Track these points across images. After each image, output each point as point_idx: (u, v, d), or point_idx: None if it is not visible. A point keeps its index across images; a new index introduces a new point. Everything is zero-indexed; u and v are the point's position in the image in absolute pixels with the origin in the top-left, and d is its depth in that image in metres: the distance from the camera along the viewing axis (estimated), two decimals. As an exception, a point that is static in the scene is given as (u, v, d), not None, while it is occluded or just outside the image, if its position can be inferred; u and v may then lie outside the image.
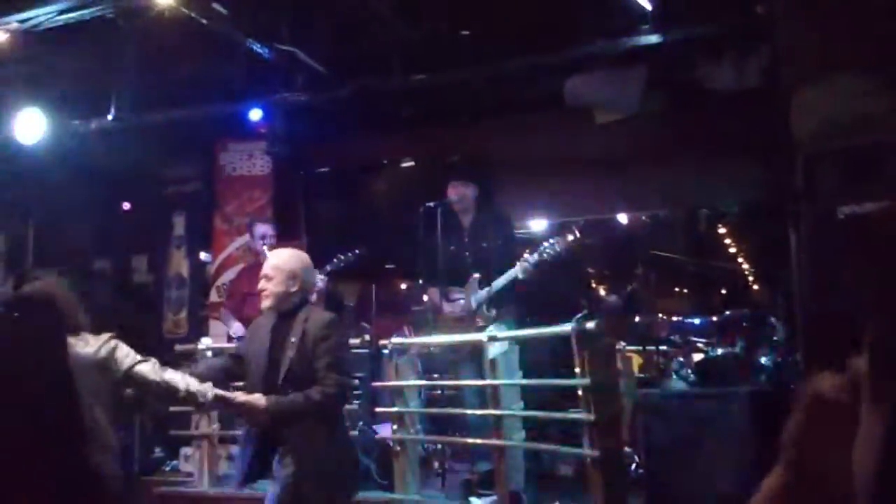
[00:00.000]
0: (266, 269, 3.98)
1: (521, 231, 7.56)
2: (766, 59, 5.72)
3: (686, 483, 4.34)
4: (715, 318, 7.33)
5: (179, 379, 3.51)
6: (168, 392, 3.47)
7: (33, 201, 8.40)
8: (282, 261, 3.99)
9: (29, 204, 8.49)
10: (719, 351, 5.95)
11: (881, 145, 3.88)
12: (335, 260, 6.32)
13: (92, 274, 8.80)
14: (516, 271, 5.37)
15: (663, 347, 6.64)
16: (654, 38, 5.76)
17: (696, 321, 8.04)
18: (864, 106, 3.95)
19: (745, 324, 6.19)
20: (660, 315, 8.00)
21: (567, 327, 4.49)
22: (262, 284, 3.95)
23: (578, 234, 5.56)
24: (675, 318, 8.31)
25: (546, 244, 5.35)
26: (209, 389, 3.60)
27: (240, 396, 3.75)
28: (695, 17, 5.69)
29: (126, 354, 3.38)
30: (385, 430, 5.66)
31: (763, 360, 5.99)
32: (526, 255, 5.37)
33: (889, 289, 0.96)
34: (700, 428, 4.34)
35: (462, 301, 5.65)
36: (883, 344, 0.96)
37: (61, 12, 5.24)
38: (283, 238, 7.26)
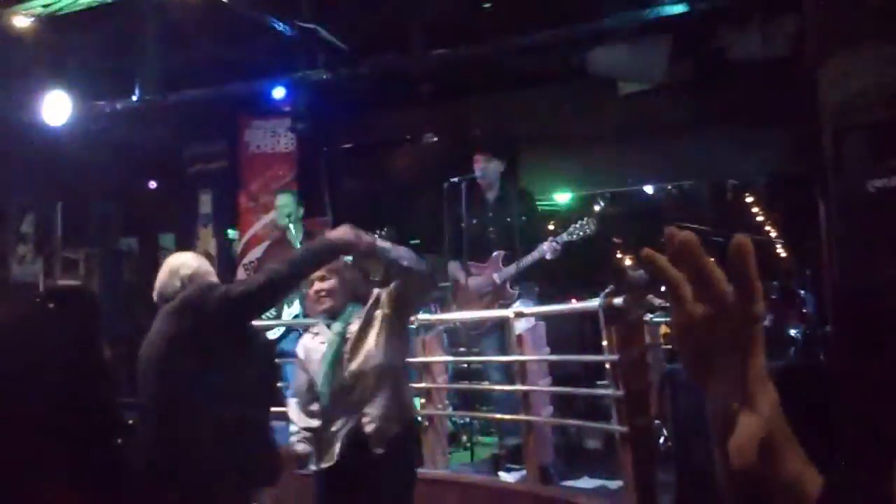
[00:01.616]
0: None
1: (545, 203, 7.53)
2: (793, 27, 5.63)
3: (714, 457, 4.34)
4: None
5: None
6: None
7: (61, 182, 8.47)
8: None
9: (56, 184, 8.56)
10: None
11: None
12: None
13: (119, 252, 8.89)
14: (544, 251, 5.34)
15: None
16: (678, 8, 5.68)
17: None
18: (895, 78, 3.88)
19: (773, 296, 6.14)
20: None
21: (594, 303, 4.49)
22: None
23: (603, 205, 5.53)
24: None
25: (576, 225, 5.30)
26: None
27: None
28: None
29: None
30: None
31: (793, 332, 5.94)
32: (555, 236, 5.35)
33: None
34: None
35: (482, 277, 5.66)
36: None
37: (84, -4, 5.26)
38: (308, 214, 7.29)
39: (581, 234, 5.26)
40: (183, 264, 3.36)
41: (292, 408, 3.78)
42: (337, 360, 3.61)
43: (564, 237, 5.30)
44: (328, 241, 3.29)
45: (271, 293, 3.20)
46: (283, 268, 3.13)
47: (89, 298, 2.97)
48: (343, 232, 3.26)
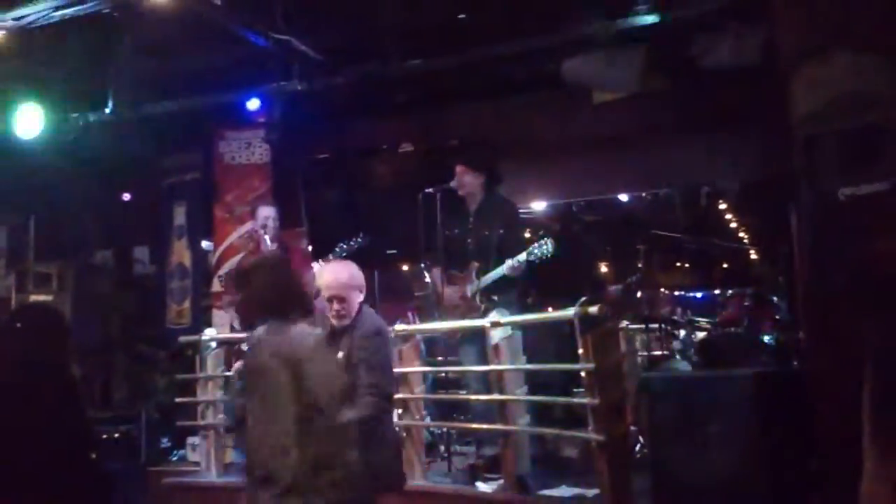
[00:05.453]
0: (336, 290, 3.88)
1: (523, 210, 7.55)
2: (765, 35, 5.69)
3: (691, 464, 4.36)
4: (717, 292, 7.32)
5: None
6: None
7: (34, 195, 8.40)
8: (348, 277, 3.92)
9: (29, 198, 8.49)
10: (722, 330, 5.97)
11: (883, 125, 3.85)
12: (337, 249, 6.33)
13: (94, 266, 8.82)
14: (503, 269, 5.40)
15: (665, 326, 6.66)
16: (651, 18, 5.74)
17: (698, 295, 8.03)
18: (866, 85, 3.92)
19: (747, 302, 6.20)
20: (661, 289, 8.03)
21: (570, 312, 4.50)
22: (336, 307, 3.85)
23: (577, 213, 5.53)
24: (676, 293, 8.32)
25: (535, 245, 5.33)
26: None
27: None
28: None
29: None
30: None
31: (766, 338, 6.00)
32: (516, 256, 5.39)
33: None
34: (704, 409, 4.34)
35: (457, 288, 5.70)
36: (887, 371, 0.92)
37: (56, 9, 5.22)
38: (285, 226, 7.27)
39: (539, 253, 5.30)
40: None
41: None
42: None
43: (524, 256, 5.34)
44: None
45: None
46: None
47: (57, 317, 2.95)
48: None
